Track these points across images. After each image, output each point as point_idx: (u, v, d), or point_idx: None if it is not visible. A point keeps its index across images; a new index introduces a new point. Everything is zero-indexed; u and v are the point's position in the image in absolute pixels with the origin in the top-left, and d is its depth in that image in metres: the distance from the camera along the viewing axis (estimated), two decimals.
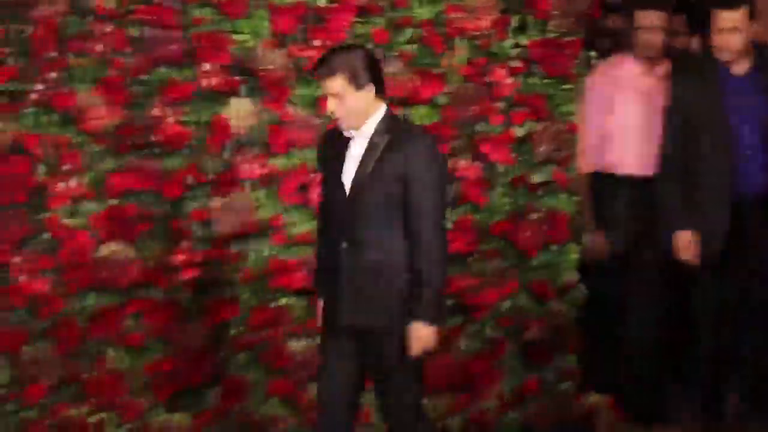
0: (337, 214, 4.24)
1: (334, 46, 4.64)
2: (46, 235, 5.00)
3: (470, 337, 5.42)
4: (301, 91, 5.19)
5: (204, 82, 5.09)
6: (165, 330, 5.18)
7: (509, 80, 5.34)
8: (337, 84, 4.10)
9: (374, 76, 4.19)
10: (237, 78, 5.14)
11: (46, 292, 4.99)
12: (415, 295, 4.14)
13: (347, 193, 4.19)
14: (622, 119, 5.69)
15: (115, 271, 5.03)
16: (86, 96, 4.97)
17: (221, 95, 5.14)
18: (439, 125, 5.25)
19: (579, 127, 5.60)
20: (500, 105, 5.36)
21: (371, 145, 4.17)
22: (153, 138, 5.07)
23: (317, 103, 5.10)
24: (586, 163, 5.67)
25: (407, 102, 5.23)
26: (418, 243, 4.13)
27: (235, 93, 5.15)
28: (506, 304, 5.44)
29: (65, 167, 4.99)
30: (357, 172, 4.18)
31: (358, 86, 4.10)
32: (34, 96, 4.94)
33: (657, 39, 5.61)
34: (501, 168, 5.39)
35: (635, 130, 5.65)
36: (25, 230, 4.96)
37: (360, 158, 4.18)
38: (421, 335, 4.17)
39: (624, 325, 5.75)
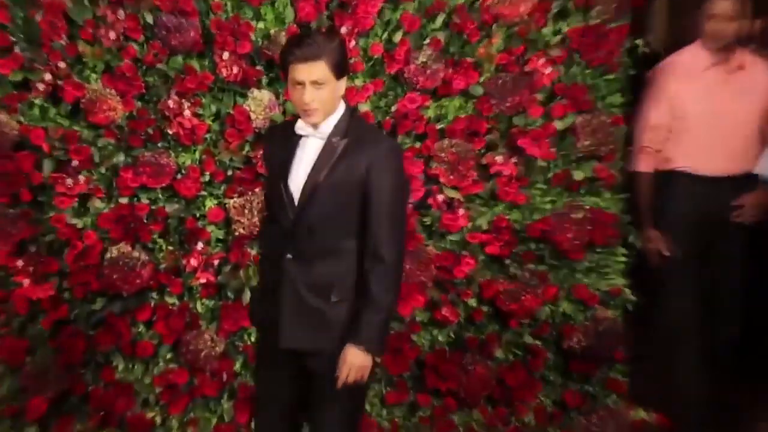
0: (282, 221, 3.93)
1: (309, 27, 4.61)
2: (51, 236, 4.90)
3: (507, 347, 5.22)
4: None
5: (223, 72, 4.91)
6: (178, 338, 5.03)
7: (549, 70, 5.07)
8: (319, 70, 3.81)
9: (347, 67, 3.95)
10: (258, 68, 4.96)
11: (49, 298, 4.87)
12: (359, 316, 3.85)
13: (295, 200, 3.89)
14: (690, 114, 5.43)
15: (125, 275, 4.88)
16: (97, 86, 4.85)
17: (241, 86, 4.97)
18: (473, 118, 5.03)
19: (639, 123, 5.45)
20: (539, 96, 5.10)
21: (328, 147, 3.90)
22: (168, 131, 4.92)
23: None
24: (645, 162, 5.50)
25: (438, 93, 5.02)
26: (374, 260, 3.85)
27: (255, 84, 4.97)
28: (546, 310, 5.20)
29: (73, 163, 4.88)
30: (309, 177, 3.88)
31: (339, 75, 3.85)
32: (41, 86, 4.83)
33: (729, 28, 5.38)
34: (540, 164, 5.13)
35: (706, 125, 5.43)
36: (28, 231, 4.85)
37: (313, 161, 3.90)
38: (356, 363, 3.88)
39: (682, 335, 5.54)
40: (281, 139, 4.00)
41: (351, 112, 3.94)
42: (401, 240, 3.92)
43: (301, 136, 3.95)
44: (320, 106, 3.85)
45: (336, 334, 3.91)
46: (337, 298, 3.91)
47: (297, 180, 3.91)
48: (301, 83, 3.82)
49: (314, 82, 3.82)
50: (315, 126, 3.90)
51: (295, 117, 4.12)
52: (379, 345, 3.92)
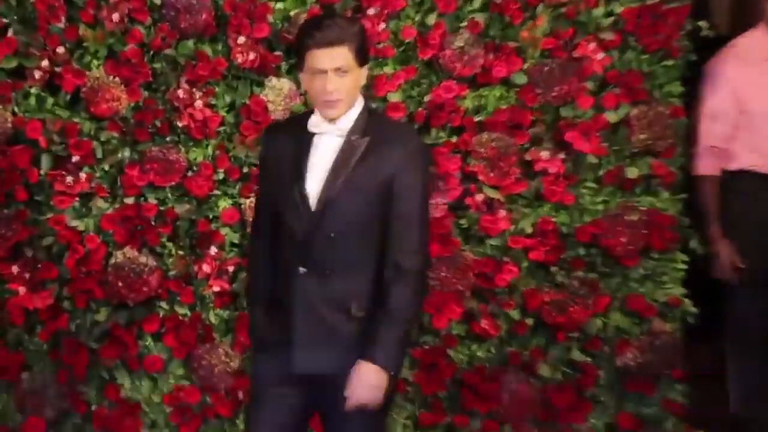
0: (293, 232, 3.76)
1: (333, 8, 4.60)
2: (49, 239, 4.85)
3: (553, 363, 5.11)
4: None
5: (238, 58, 4.84)
6: (190, 353, 4.96)
7: (600, 55, 4.98)
8: (343, 55, 3.66)
9: (368, 55, 3.84)
10: (277, 53, 4.90)
11: (48, 307, 4.82)
12: (375, 329, 3.71)
13: (312, 206, 3.72)
14: (753, 106, 5.26)
15: (131, 282, 4.83)
16: (99, 74, 4.80)
17: (258, 73, 4.90)
18: (515, 109, 4.95)
19: (699, 117, 5.28)
20: (589, 85, 5.02)
21: (348, 146, 3.74)
22: (177, 124, 4.86)
23: (372, 83, 4.85)
24: (709, 163, 5.31)
25: (477, 82, 4.95)
26: (395, 269, 3.71)
27: (274, 71, 4.90)
28: (597, 323, 5.08)
29: (73, 158, 4.80)
30: (328, 180, 3.72)
31: (361, 63, 3.71)
32: (37, 74, 4.78)
33: None
34: (590, 160, 5.04)
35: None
36: (24, 233, 4.80)
37: (332, 162, 3.73)
38: (370, 381, 3.70)
39: (752, 352, 5.39)
40: (288, 139, 3.82)
41: (369, 106, 3.84)
42: (426, 247, 3.80)
43: (313, 135, 3.78)
44: (344, 97, 3.69)
45: (357, 356, 3.75)
46: (358, 314, 3.74)
47: (313, 184, 3.74)
48: (323, 71, 3.66)
49: (337, 70, 3.66)
50: (332, 122, 3.75)
51: (301, 113, 4.08)
52: (396, 362, 3.77)
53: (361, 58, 3.71)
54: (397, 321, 3.70)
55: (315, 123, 3.78)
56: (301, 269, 3.74)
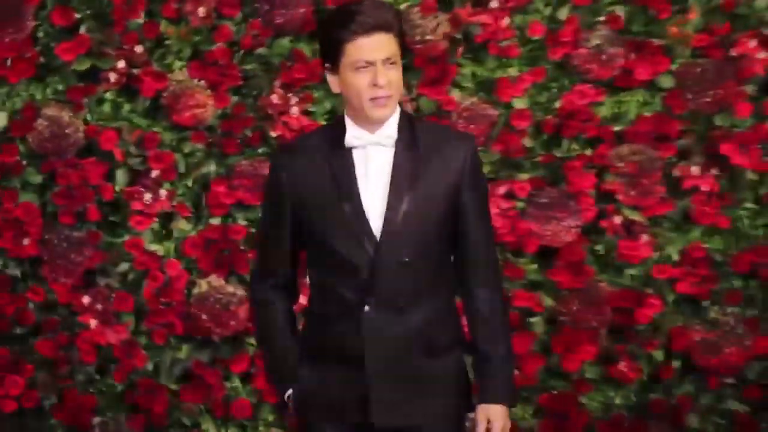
0: (352, 264, 3.49)
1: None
2: (125, 266, 4.71)
3: (704, 413, 4.88)
4: (469, 69, 4.72)
5: None
6: None
7: (762, 54, 4.71)
8: (392, 43, 3.41)
9: None
10: None
11: (122, 343, 4.69)
12: (488, 364, 3.53)
13: (376, 231, 3.48)
14: None
15: (217, 315, 4.63)
16: (182, 77, 4.65)
17: None
18: (660, 117, 4.71)
19: None
20: (748, 89, 4.77)
21: (403, 158, 3.50)
22: (270, 133, 4.67)
23: (494, 87, 4.64)
24: None
25: (616, 86, 4.74)
26: (480, 290, 3.55)
27: None
28: (756, 366, 4.83)
29: (152, 173, 4.65)
30: (390, 199, 3.49)
31: (403, 54, 3.50)
32: (112, 77, 4.62)
33: None
34: (749, 177, 4.82)
35: None
36: (96, 258, 4.67)
37: (389, 177, 3.50)
38: (501, 421, 3.53)
39: None
40: (317, 160, 3.53)
41: (402, 109, 3.59)
42: (498, 261, 3.68)
43: (350, 150, 3.52)
44: (394, 92, 3.42)
45: (450, 393, 3.54)
46: (442, 349, 3.54)
47: (372, 206, 3.48)
48: (371, 63, 3.39)
49: (387, 60, 3.39)
50: (373, 132, 3.48)
51: (320, 129, 3.89)
52: (515, 392, 3.63)
53: (403, 49, 3.48)
54: (504, 347, 3.54)
55: (355, 135, 3.49)
56: (367, 308, 3.49)
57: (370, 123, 3.46)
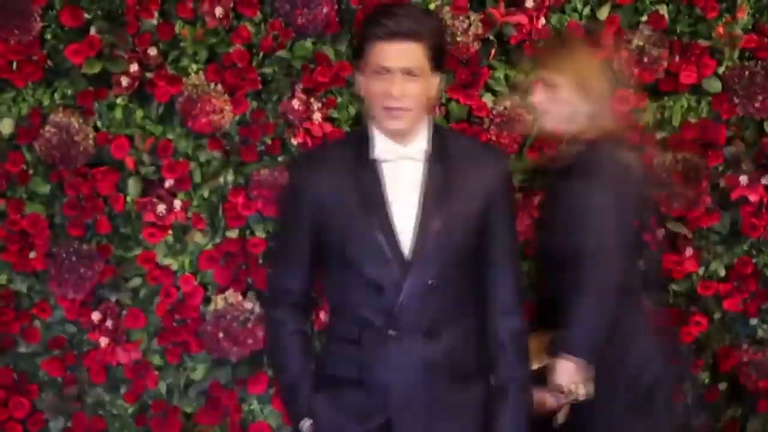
0: (378, 285, 3.42)
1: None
2: (137, 281, 4.59)
3: None
4: (503, 72, 4.61)
5: None
6: None
7: None
8: (414, 54, 3.34)
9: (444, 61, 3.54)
10: None
11: (134, 363, 4.60)
12: (505, 396, 3.48)
13: (404, 251, 3.41)
14: None
15: (234, 334, 4.51)
16: (198, 81, 4.51)
17: None
18: (707, 124, 4.60)
19: None
20: None
21: (433, 173, 3.44)
22: (291, 141, 4.55)
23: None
24: None
25: (660, 90, 4.62)
26: (505, 316, 3.49)
27: None
28: None
29: (166, 183, 4.55)
30: (420, 216, 3.43)
31: (435, 67, 3.40)
32: (124, 81, 4.49)
33: None
34: None
35: None
36: (107, 273, 4.55)
37: (419, 194, 3.45)
38: None
39: None
40: (341, 172, 3.48)
41: (433, 122, 3.56)
42: (522, 284, 3.64)
43: (378, 163, 3.47)
44: (411, 105, 3.36)
45: (478, 422, 3.50)
46: (470, 375, 3.50)
47: (400, 223, 3.43)
48: (388, 70, 3.35)
49: (406, 71, 3.35)
50: (404, 144, 3.43)
51: (345, 138, 4.01)
52: (528, 424, 3.55)
53: (436, 62, 3.39)
54: (524, 377, 3.51)
55: (383, 148, 3.44)
56: (392, 332, 3.42)
57: (390, 134, 3.40)
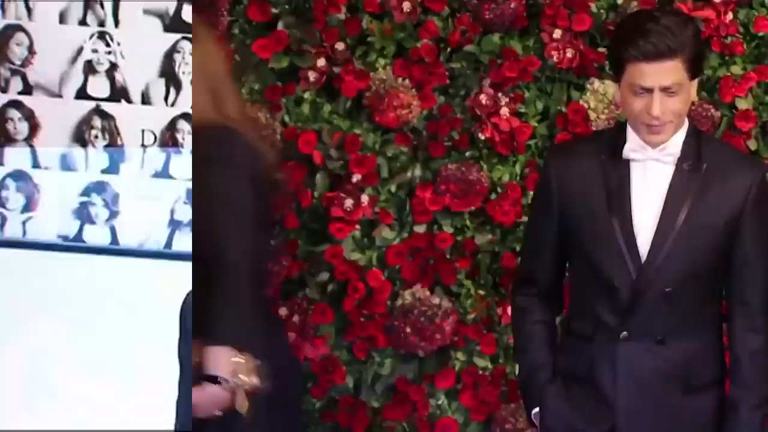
0: (612, 286, 3.40)
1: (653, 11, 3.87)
2: (324, 276, 4.60)
3: None
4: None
5: (553, 56, 4.51)
6: (492, 414, 4.60)
7: None
8: (674, 72, 3.26)
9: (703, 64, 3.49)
10: (600, 50, 4.51)
11: (321, 359, 4.61)
12: (735, 412, 3.39)
13: (642, 254, 3.38)
14: None
15: (421, 328, 4.50)
16: (385, 76, 4.53)
17: (577, 75, 4.54)
18: None
19: None
20: None
21: (682, 177, 3.37)
22: (479, 136, 4.53)
23: (717, 87, 4.47)
24: None
25: None
26: (748, 333, 3.39)
27: (596, 72, 4.54)
28: None
29: (354, 178, 4.56)
30: (663, 219, 3.37)
31: (693, 76, 3.33)
32: (312, 76, 4.53)
33: None
34: None
35: None
36: (294, 268, 4.58)
37: (663, 197, 3.39)
38: None
39: None
40: (592, 167, 3.44)
41: (693, 125, 3.47)
42: None
43: (628, 162, 3.42)
44: (673, 119, 3.31)
45: None
46: (702, 386, 3.42)
47: (641, 225, 3.38)
48: (647, 89, 3.29)
49: (666, 89, 3.28)
50: (656, 146, 3.38)
51: (598, 133, 3.93)
52: None
53: (695, 70, 3.31)
54: (758, 398, 3.38)
55: (633, 148, 3.39)
56: (624, 334, 3.38)
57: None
